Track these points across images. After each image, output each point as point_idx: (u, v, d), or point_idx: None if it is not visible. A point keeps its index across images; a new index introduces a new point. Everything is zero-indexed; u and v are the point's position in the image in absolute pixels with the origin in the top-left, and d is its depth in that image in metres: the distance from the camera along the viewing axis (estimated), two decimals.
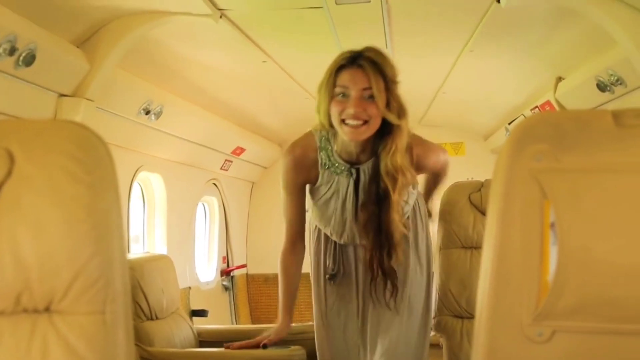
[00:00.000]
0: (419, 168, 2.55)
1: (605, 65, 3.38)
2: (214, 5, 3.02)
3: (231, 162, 6.17)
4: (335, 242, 2.61)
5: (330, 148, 2.48)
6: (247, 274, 7.27)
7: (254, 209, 7.41)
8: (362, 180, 2.46)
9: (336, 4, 2.99)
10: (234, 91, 4.85)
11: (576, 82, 3.90)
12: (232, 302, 6.78)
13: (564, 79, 4.15)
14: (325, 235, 2.62)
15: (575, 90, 3.95)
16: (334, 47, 3.46)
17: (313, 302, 2.69)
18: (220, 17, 3.13)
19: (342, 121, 2.31)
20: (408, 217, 2.58)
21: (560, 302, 1.18)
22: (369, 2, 2.99)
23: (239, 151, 6.12)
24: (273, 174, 7.28)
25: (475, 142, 7.01)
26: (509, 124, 5.61)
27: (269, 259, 7.02)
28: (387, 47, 3.70)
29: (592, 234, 1.18)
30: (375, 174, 2.43)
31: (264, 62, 4.05)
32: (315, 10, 3.11)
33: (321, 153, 2.48)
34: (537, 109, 4.64)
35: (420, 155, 2.53)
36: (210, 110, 5.01)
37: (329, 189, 2.49)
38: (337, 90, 2.31)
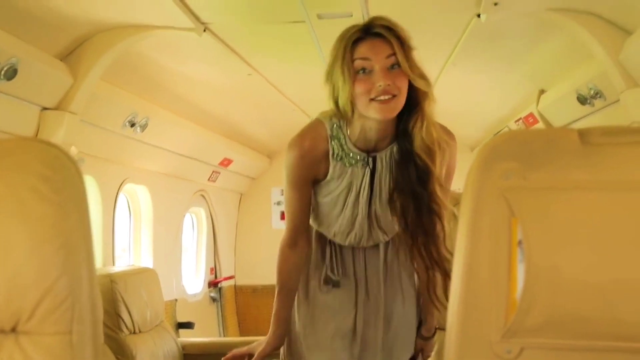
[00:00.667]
0: (447, 161, 2.22)
1: (585, 79, 3.41)
2: (197, 19, 3.03)
3: (219, 173, 6.17)
4: (333, 244, 2.39)
5: (343, 136, 2.20)
6: (235, 285, 7.24)
7: (242, 220, 7.40)
8: (378, 170, 2.19)
9: (318, 18, 3.00)
10: (221, 103, 4.85)
11: (557, 95, 3.92)
12: (220, 314, 6.76)
13: (545, 91, 4.18)
14: (322, 235, 2.40)
15: (557, 103, 3.97)
16: (318, 59, 3.47)
17: (295, 311, 2.43)
18: (204, 30, 3.14)
19: (371, 100, 2.02)
20: None
21: (528, 319, 1.19)
22: (351, 16, 3.00)
23: (226, 162, 6.11)
24: (261, 185, 7.29)
25: (461, 153, 6.95)
26: (495, 135, 5.63)
27: (257, 270, 7.03)
28: None
29: (559, 252, 1.18)
30: (406, 156, 2.15)
31: (249, 74, 4.05)
32: (298, 24, 3.12)
33: (333, 142, 2.20)
34: (520, 120, 4.67)
35: (452, 144, 2.21)
36: (197, 122, 5.01)
37: (340, 182, 2.22)
38: (358, 64, 2.02)
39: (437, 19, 3.17)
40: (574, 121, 3.86)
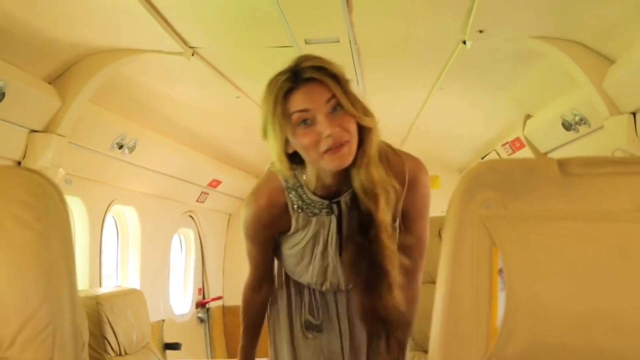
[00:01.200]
0: (410, 190, 1.99)
1: (570, 106, 3.44)
2: (186, 43, 3.04)
3: (207, 194, 6.16)
4: (308, 287, 2.21)
5: (300, 186, 2.00)
6: (223, 305, 7.22)
7: (231, 240, 7.39)
8: (344, 215, 1.99)
9: (306, 43, 3.02)
10: (209, 125, 4.86)
11: (543, 121, 3.95)
12: (208, 335, 6.72)
13: (531, 116, 4.21)
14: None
15: (542, 128, 4.00)
16: None
17: (277, 354, 2.29)
18: (192, 54, 3.15)
19: (323, 153, 1.79)
20: None
21: (509, 347, 1.19)
22: (338, 42, 3.02)
23: (215, 183, 6.11)
24: None
25: (450, 175, 7.05)
26: (482, 158, 5.66)
27: None
28: (357, 85, 3.74)
29: (539, 281, 1.19)
30: (354, 200, 1.95)
31: (238, 97, 4.06)
32: (286, 49, 3.13)
33: (290, 195, 2.01)
34: (507, 144, 4.69)
35: (414, 170, 2.00)
36: (186, 143, 5.01)
37: (305, 233, 2.03)
38: (296, 117, 1.78)
39: (423, 44, 3.19)
40: (560, 146, 3.89)
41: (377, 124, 1.87)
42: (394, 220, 1.98)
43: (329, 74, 1.78)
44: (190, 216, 6.28)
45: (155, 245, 5.29)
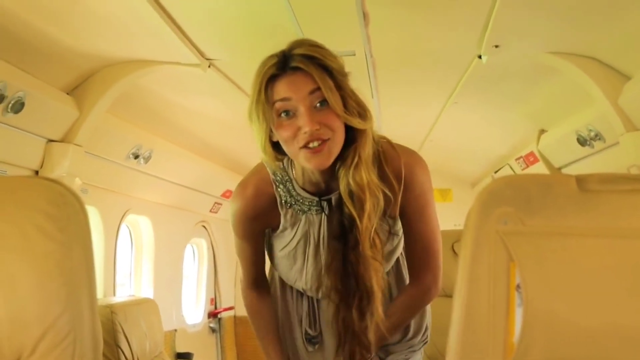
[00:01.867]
0: (407, 187, 1.83)
1: (585, 121, 3.43)
2: (202, 55, 3.06)
3: (221, 204, 6.18)
4: (307, 295, 2.07)
5: (290, 180, 1.87)
6: (234, 316, 7.21)
7: None
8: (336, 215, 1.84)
9: None
10: (224, 136, 4.88)
11: (557, 136, 3.94)
12: (219, 345, 6.72)
13: (546, 131, 4.20)
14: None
15: (557, 143, 3.99)
16: None
17: None
18: (209, 66, 3.17)
19: (300, 148, 1.68)
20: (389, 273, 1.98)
21: None
22: (354, 55, 3.03)
23: (228, 194, 6.12)
24: None
25: (462, 189, 7.04)
26: (495, 172, 5.65)
27: None
28: (372, 97, 3.75)
29: (556, 297, 1.19)
30: (338, 202, 1.82)
31: None
32: None
33: (279, 189, 1.88)
34: (521, 159, 4.68)
35: (410, 165, 1.82)
36: (200, 154, 5.03)
37: (295, 233, 1.90)
38: (278, 106, 1.66)
39: (439, 58, 3.20)
40: (574, 161, 3.88)
41: (371, 124, 1.74)
42: (391, 219, 1.87)
43: (319, 64, 1.65)
44: (204, 226, 6.29)
45: (168, 254, 5.31)
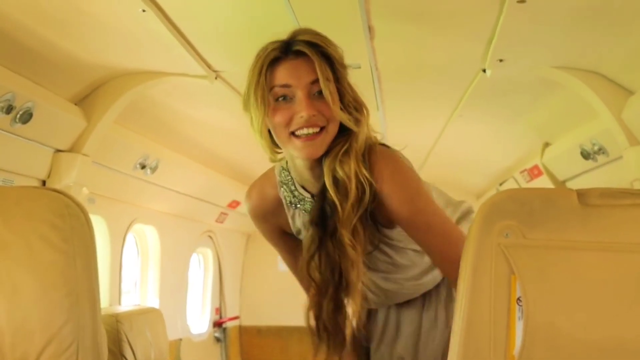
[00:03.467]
0: (381, 192, 1.72)
1: (589, 135, 3.43)
2: (209, 67, 3.07)
3: (226, 214, 6.18)
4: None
5: (291, 179, 1.83)
6: (240, 325, 7.21)
7: (248, 261, 7.38)
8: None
9: None
10: (230, 147, 4.88)
11: (561, 149, 3.94)
12: (224, 354, 6.71)
13: (550, 145, 4.20)
14: None
15: (561, 156, 3.99)
16: None
17: None
18: (216, 78, 3.17)
19: (292, 134, 1.65)
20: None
21: None
22: (360, 68, 3.03)
23: (234, 204, 6.12)
24: None
25: (468, 200, 7.02)
26: (500, 185, 5.65)
27: (262, 310, 7.03)
28: (378, 109, 3.75)
29: (557, 310, 1.19)
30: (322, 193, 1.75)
31: None
32: None
33: (282, 189, 1.85)
34: (525, 172, 4.68)
35: (377, 167, 1.72)
36: (207, 164, 5.04)
37: (308, 235, 1.81)
38: (277, 92, 1.64)
39: (444, 72, 3.20)
40: (578, 175, 3.88)
41: (366, 120, 1.71)
42: (385, 227, 1.80)
43: (321, 52, 1.65)
44: (209, 236, 6.29)
45: (174, 264, 5.31)
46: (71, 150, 3.11)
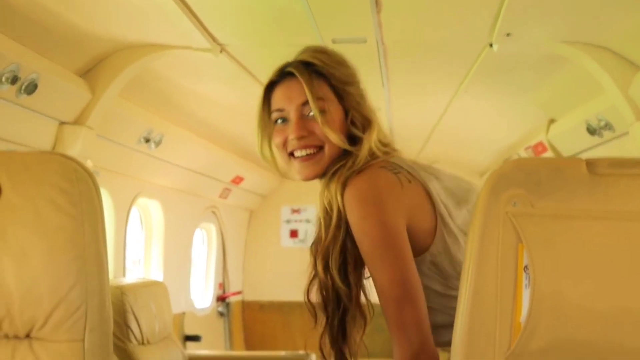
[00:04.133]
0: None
1: (595, 111, 3.42)
2: (214, 40, 3.05)
3: (230, 190, 6.19)
4: None
5: None
6: (242, 300, 7.25)
7: (251, 237, 7.41)
8: None
9: (333, 42, 3.01)
10: (235, 122, 4.87)
11: (567, 126, 3.93)
12: (227, 329, 6.76)
13: (555, 121, 4.19)
14: None
15: (566, 133, 3.98)
16: None
17: None
18: (221, 51, 3.16)
19: (291, 155, 1.66)
20: None
21: (531, 343, 1.19)
22: (365, 42, 3.02)
23: (238, 180, 6.13)
24: (272, 202, 7.33)
25: (471, 178, 6.98)
26: (504, 161, 5.65)
27: (264, 286, 7.08)
28: (383, 85, 3.74)
29: (564, 279, 1.19)
30: None
31: None
32: None
33: None
34: (530, 148, 4.67)
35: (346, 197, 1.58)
36: (211, 140, 5.04)
37: None
38: (274, 116, 1.67)
39: (450, 47, 3.18)
40: (583, 151, 3.87)
41: (365, 139, 1.63)
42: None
43: (316, 71, 1.63)
44: (213, 211, 6.30)
45: (178, 238, 5.33)
46: (76, 122, 3.10)
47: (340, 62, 1.68)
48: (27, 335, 1.12)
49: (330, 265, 1.61)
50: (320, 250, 1.62)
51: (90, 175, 1.17)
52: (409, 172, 1.61)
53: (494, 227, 1.22)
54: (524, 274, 1.22)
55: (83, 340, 1.13)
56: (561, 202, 1.22)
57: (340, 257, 1.61)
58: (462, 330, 1.23)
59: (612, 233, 1.20)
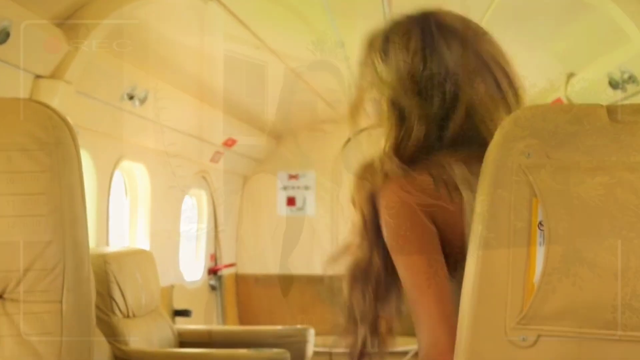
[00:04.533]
0: None
1: (618, 62, 3.39)
2: None
3: (222, 154, 6.16)
4: None
5: None
6: (236, 273, 7.25)
7: (245, 205, 7.38)
8: None
9: None
10: (226, 79, 4.85)
11: (588, 79, 3.91)
12: (220, 304, 6.77)
13: (575, 75, 4.17)
14: None
15: (587, 88, 3.96)
16: (331, 32, 3.47)
17: None
18: None
19: None
20: None
21: (546, 305, 1.19)
22: None
23: (230, 143, 6.10)
24: (267, 168, 7.25)
25: None
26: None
27: (260, 258, 7.04)
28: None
29: (582, 236, 1.18)
30: None
31: (257, 48, 4.04)
32: None
33: None
34: None
35: None
36: (201, 98, 5.01)
37: None
38: None
39: None
40: None
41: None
42: None
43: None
44: (203, 177, 6.28)
45: (165, 205, 5.32)
46: (52, 76, 3.09)
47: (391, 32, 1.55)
48: (0, 296, 1.11)
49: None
50: None
51: (66, 123, 1.16)
52: None
53: (506, 180, 1.21)
54: (538, 231, 1.21)
55: (61, 302, 1.13)
56: (579, 152, 1.21)
57: None
58: (470, 291, 1.23)
59: (636, 186, 1.19)
